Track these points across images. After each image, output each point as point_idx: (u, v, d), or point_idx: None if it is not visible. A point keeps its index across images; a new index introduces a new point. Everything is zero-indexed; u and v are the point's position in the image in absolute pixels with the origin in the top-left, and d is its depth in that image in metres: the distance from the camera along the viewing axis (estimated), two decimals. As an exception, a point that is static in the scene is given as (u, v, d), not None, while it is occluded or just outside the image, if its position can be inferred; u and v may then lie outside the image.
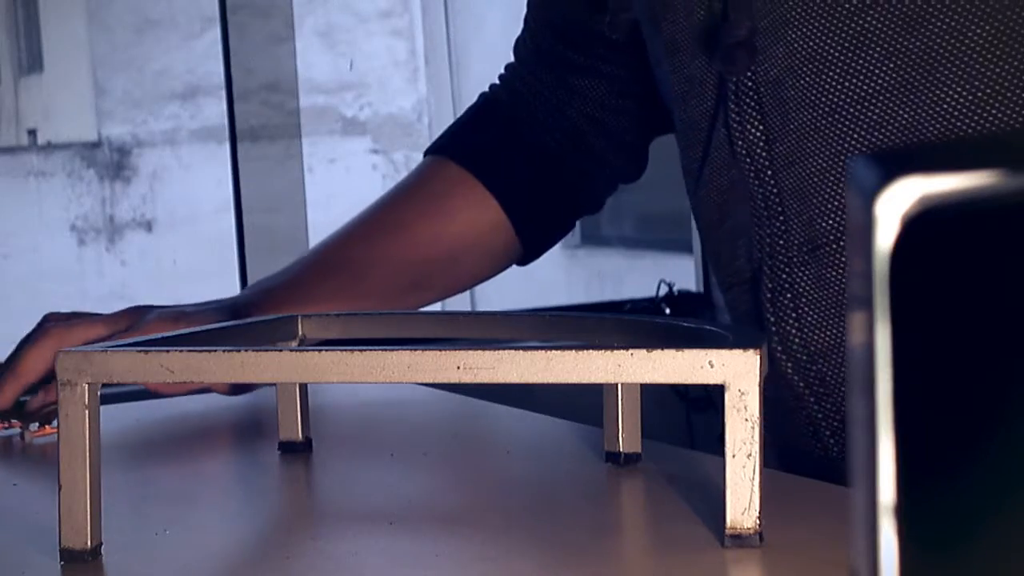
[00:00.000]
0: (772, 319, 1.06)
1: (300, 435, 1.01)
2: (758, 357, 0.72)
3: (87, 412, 0.75)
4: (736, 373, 0.71)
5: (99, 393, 0.76)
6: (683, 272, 3.32)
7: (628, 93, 1.31)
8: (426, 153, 1.38)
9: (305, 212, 3.17)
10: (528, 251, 1.36)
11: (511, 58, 1.38)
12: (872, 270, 0.30)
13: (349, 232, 1.31)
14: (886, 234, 0.30)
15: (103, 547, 0.76)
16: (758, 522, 0.72)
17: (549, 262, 1.54)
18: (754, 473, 0.71)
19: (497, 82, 1.39)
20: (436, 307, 1.35)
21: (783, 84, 1.02)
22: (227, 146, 3.15)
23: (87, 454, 0.75)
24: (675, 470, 0.92)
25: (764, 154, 1.04)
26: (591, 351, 0.73)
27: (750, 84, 1.04)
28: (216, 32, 3.15)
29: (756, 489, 0.72)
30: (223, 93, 3.17)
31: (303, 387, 1.01)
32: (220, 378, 0.76)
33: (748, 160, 1.05)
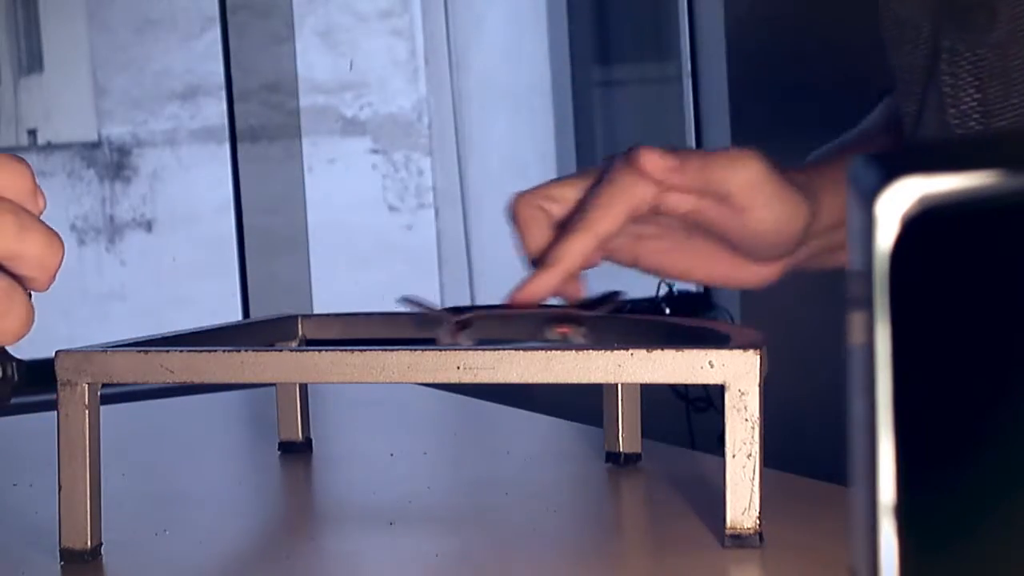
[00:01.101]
0: None
1: (300, 435, 1.01)
2: (758, 357, 0.72)
3: (87, 412, 0.75)
4: (736, 373, 0.71)
5: (99, 393, 0.76)
6: (683, 272, 3.31)
7: None
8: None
9: (305, 212, 3.17)
10: None
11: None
12: (872, 270, 0.30)
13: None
14: (886, 234, 0.30)
15: (103, 547, 0.76)
16: (758, 522, 0.72)
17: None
18: (754, 473, 0.71)
19: None
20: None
21: (1009, 49, 0.87)
22: (227, 146, 3.15)
23: (87, 454, 0.75)
24: (675, 470, 0.92)
25: (979, 128, 0.90)
26: (591, 351, 0.73)
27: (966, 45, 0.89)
28: (216, 32, 3.15)
29: (756, 489, 0.72)
30: (223, 93, 3.17)
31: (303, 387, 1.00)
32: (220, 378, 0.76)
33: (961, 132, 0.91)
